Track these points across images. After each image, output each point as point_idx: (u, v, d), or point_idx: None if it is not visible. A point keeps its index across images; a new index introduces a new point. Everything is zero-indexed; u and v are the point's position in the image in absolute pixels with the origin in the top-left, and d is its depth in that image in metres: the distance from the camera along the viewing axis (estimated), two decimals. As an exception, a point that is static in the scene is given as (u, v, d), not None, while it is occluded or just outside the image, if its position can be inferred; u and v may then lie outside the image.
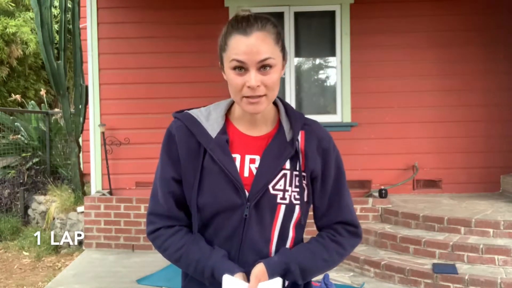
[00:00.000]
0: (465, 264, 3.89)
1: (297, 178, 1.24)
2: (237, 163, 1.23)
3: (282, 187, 1.23)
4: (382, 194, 5.02)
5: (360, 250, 4.44)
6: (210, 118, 1.27)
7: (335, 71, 5.66)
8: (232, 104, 1.31)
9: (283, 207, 1.22)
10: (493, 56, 5.47)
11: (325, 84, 5.86)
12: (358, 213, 4.96)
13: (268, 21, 1.19)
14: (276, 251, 1.25)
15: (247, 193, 1.21)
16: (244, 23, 1.16)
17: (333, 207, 1.31)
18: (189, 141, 1.24)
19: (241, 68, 1.16)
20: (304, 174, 1.26)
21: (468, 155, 5.48)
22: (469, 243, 3.94)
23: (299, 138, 1.27)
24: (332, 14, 5.59)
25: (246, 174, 1.23)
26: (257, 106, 1.18)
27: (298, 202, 1.23)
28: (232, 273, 1.17)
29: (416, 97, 5.48)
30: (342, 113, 5.56)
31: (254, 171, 1.23)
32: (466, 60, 5.47)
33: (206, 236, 1.26)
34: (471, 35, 5.46)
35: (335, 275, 4.16)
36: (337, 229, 1.31)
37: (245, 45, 1.14)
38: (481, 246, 3.88)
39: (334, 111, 5.64)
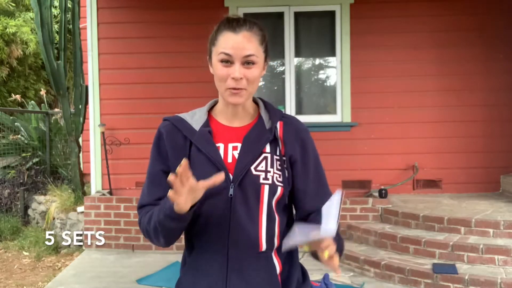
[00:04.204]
0: (465, 264, 3.89)
1: (278, 162, 1.34)
2: (221, 152, 1.34)
3: (263, 168, 1.32)
4: (382, 194, 5.02)
5: (360, 250, 4.44)
6: (194, 117, 1.40)
7: (335, 71, 5.66)
8: (214, 104, 1.44)
9: (266, 187, 1.30)
10: (493, 56, 5.47)
11: (325, 84, 5.86)
12: (358, 213, 4.96)
13: (255, 24, 1.33)
14: (267, 233, 1.31)
15: (231, 176, 1.30)
16: (235, 23, 1.31)
17: (319, 192, 1.38)
18: (176, 136, 1.37)
19: (227, 61, 1.29)
20: (284, 158, 1.35)
21: (468, 155, 5.48)
22: (469, 243, 3.94)
23: (278, 126, 1.37)
24: (332, 14, 5.59)
25: (229, 160, 1.33)
26: (237, 98, 1.30)
27: (281, 184, 1.32)
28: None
29: (416, 97, 5.48)
30: (342, 113, 5.56)
31: (237, 157, 1.33)
32: (466, 60, 5.47)
33: (197, 227, 1.32)
34: (471, 35, 5.46)
35: (335, 275, 4.15)
36: None
37: (233, 41, 1.28)
38: (481, 246, 3.88)
39: (334, 111, 5.64)
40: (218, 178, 1.16)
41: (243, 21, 1.31)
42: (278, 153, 1.35)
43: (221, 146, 1.35)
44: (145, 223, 1.32)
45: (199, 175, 1.26)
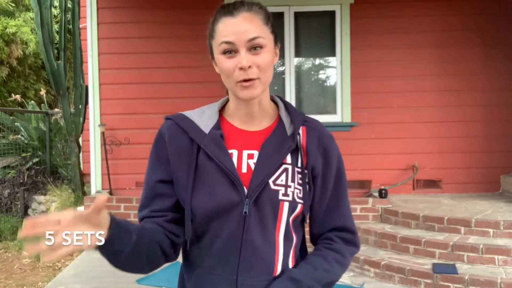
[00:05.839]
0: (465, 264, 3.89)
1: (299, 175, 1.16)
2: (234, 159, 1.14)
3: (283, 183, 1.13)
4: (382, 194, 5.02)
5: (360, 250, 4.39)
6: (203, 116, 1.20)
7: (335, 71, 5.66)
8: (226, 102, 1.25)
9: (286, 205, 1.12)
10: (493, 56, 5.47)
11: (325, 84, 5.86)
12: (358, 213, 4.95)
13: (254, 3, 1.14)
14: (283, 256, 1.15)
15: (246, 190, 1.11)
16: (231, 7, 1.13)
17: (331, 211, 1.22)
18: (181, 139, 1.16)
19: (231, 51, 1.10)
20: (306, 171, 1.17)
21: (468, 155, 5.48)
22: (469, 243, 3.94)
23: (300, 132, 1.18)
24: (332, 14, 5.59)
25: (244, 170, 1.14)
26: (251, 91, 1.10)
27: (301, 201, 1.14)
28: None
29: (416, 97, 5.48)
30: (342, 113, 5.56)
31: (253, 167, 1.14)
32: (466, 60, 5.47)
33: (202, 245, 1.16)
34: (471, 35, 5.46)
35: None
36: (331, 237, 1.22)
37: (232, 25, 1.10)
38: (481, 246, 3.87)
39: (334, 111, 5.64)
40: (98, 201, 0.91)
41: (239, 3, 1.13)
42: (299, 165, 1.16)
43: (234, 152, 1.15)
44: None
45: (207, 184, 1.13)
